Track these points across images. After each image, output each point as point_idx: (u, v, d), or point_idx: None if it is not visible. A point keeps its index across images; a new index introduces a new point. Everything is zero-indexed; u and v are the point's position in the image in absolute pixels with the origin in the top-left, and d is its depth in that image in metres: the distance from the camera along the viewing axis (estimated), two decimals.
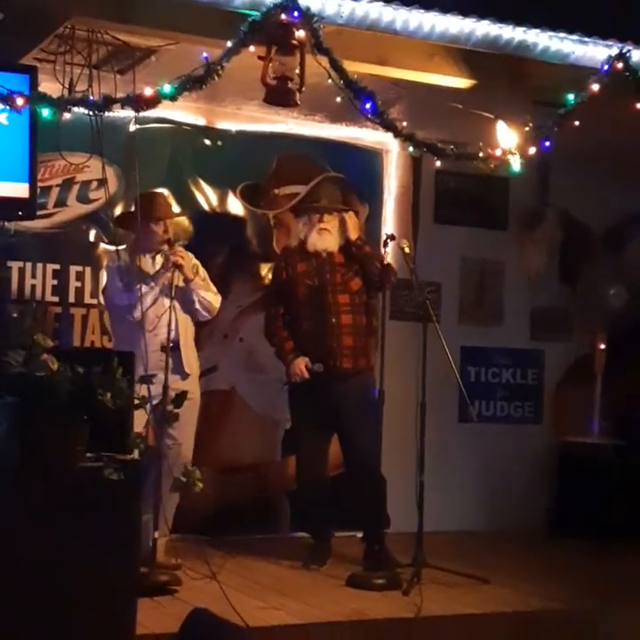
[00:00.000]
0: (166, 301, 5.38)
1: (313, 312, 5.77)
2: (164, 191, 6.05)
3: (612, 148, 6.23)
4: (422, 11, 5.12)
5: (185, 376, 5.47)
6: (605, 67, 5.23)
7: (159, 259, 5.54)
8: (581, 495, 7.02)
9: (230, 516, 6.39)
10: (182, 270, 5.40)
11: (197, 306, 5.54)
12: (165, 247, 5.49)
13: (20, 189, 4.65)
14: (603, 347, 7.50)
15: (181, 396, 4.99)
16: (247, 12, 4.70)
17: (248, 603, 4.82)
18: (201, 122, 6.53)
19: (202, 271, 5.62)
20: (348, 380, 5.75)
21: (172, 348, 5.35)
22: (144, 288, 5.35)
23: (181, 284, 5.42)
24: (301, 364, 5.71)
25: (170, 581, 5.07)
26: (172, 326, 5.35)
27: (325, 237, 5.82)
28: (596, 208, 7.39)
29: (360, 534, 5.96)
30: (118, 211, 6.11)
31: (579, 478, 7.13)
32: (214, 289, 5.68)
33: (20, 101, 4.30)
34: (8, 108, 4.29)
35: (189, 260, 5.49)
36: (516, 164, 5.25)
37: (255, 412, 6.62)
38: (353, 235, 5.85)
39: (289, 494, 6.47)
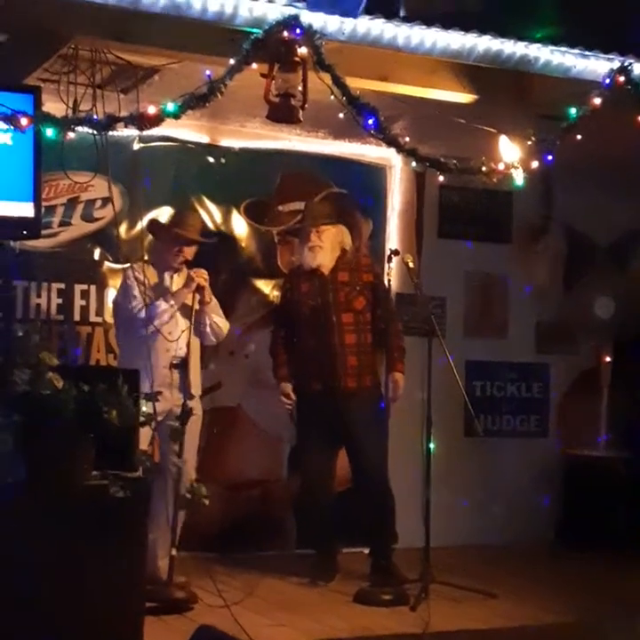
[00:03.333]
0: (181, 320, 5.42)
1: (317, 332, 5.78)
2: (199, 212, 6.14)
3: (616, 161, 6.24)
4: (424, 27, 5.14)
5: (190, 396, 5.44)
6: (607, 80, 5.24)
7: (176, 278, 5.56)
8: (588, 508, 7.00)
9: (237, 532, 6.38)
10: (203, 292, 5.43)
11: (208, 329, 5.57)
12: (184, 267, 5.53)
13: (24, 209, 4.66)
14: (608, 359, 7.50)
15: (186, 413, 5.00)
16: (249, 29, 4.72)
17: (255, 620, 4.82)
18: (204, 139, 6.55)
19: (213, 297, 5.62)
20: (354, 399, 5.75)
21: (180, 367, 5.37)
22: (163, 305, 5.39)
23: (196, 305, 5.43)
24: (286, 389, 5.81)
25: (187, 599, 5.07)
26: (183, 345, 5.38)
27: (317, 254, 5.82)
28: (601, 222, 7.40)
29: (367, 550, 5.95)
30: (123, 230, 6.12)
31: (586, 491, 7.12)
32: (222, 314, 5.71)
33: (24, 121, 4.32)
34: (13, 128, 4.31)
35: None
36: (518, 177, 5.26)
37: (261, 428, 6.61)
38: (348, 246, 5.86)
39: (295, 510, 6.46)
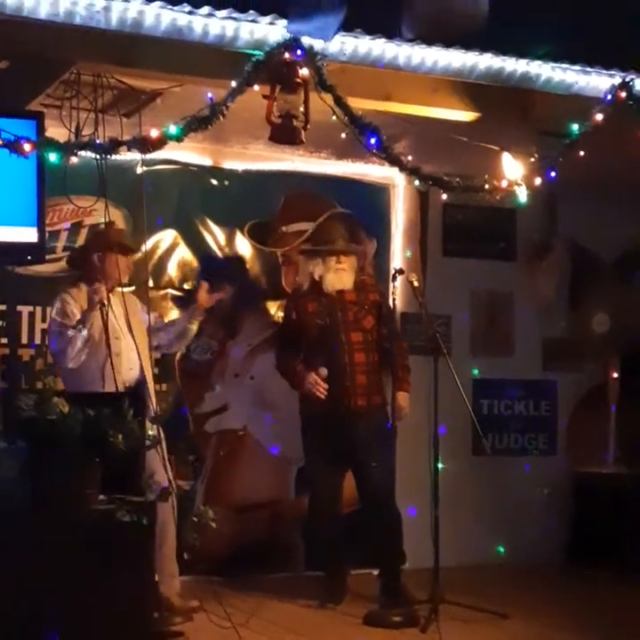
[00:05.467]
0: (129, 340, 5.20)
1: (326, 351, 5.77)
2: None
3: (620, 176, 6.24)
4: (424, 46, 5.15)
5: (151, 418, 4.98)
6: (609, 96, 5.24)
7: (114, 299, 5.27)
8: (598, 525, 6.96)
9: (244, 555, 6.35)
10: (105, 305, 5.11)
11: (165, 339, 5.53)
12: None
13: (28, 234, 4.67)
14: (616, 376, 7.48)
15: (157, 418, 4.87)
16: (251, 51, 4.74)
17: None
18: (207, 162, 6.56)
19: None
20: (362, 418, 5.74)
21: (136, 389, 5.14)
22: (70, 332, 5.16)
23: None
24: (313, 376, 5.71)
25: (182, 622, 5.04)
26: (134, 366, 5.22)
27: (343, 277, 5.83)
28: (605, 237, 7.39)
29: (376, 571, 5.91)
30: None
31: (595, 508, 7.08)
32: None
33: (27, 147, 4.32)
34: (16, 153, 4.31)
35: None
36: (522, 195, 5.26)
37: (267, 450, 6.59)
38: (367, 269, 5.89)
39: (303, 532, 6.43)
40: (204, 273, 6.27)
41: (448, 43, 5.17)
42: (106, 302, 5.11)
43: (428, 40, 5.14)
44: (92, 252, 5.38)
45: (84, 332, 5.17)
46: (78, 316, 5.21)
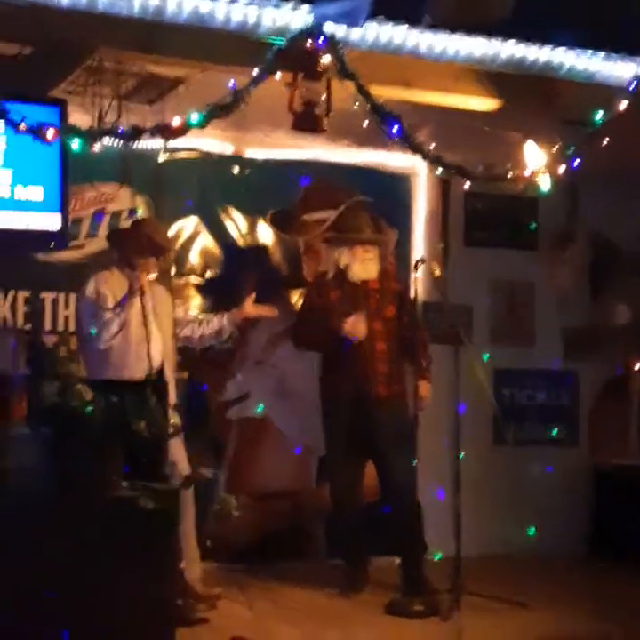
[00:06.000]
0: (143, 330, 5.19)
1: (348, 338, 5.76)
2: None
3: None
4: (447, 34, 5.13)
5: (173, 407, 5.08)
6: (633, 84, 5.20)
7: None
8: (619, 516, 6.93)
9: (266, 543, 6.35)
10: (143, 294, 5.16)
11: (189, 332, 5.49)
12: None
13: (51, 221, 4.68)
14: (637, 366, 7.44)
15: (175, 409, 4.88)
16: (273, 39, 4.73)
17: (285, 631, 4.80)
18: (229, 150, 6.55)
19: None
20: (383, 407, 5.73)
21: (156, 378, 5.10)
22: (108, 315, 5.14)
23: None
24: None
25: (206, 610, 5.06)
26: (154, 354, 5.20)
27: (369, 267, 5.82)
28: (627, 227, 7.34)
29: (398, 560, 5.91)
30: None
31: (616, 500, 7.05)
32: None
33: (50, 134, 4.33)
34: (39, 140, 4.32)
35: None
36: (545, 183, 5.22)
37: (289, 438, 6.59)
38: (388, 259, 5.88)
39: (325, 521, 6.43)
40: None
41: (472, 30, 5.14)
42: (145, 290, 5.14)
43: (453, 27, 5.11)
44: (129, 244, 5.33)
45: (122, 316, 5.15)
46: (110, 300, 5.19)
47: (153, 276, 5.30)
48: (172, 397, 5.27)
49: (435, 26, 5.14)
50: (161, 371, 5.24)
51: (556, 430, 6.54)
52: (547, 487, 7.12)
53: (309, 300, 6.01)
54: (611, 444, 7.36)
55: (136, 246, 5.26)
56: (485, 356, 6.83)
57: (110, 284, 5.28)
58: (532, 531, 6.59)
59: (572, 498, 7.21)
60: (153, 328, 5.24)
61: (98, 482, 3.97)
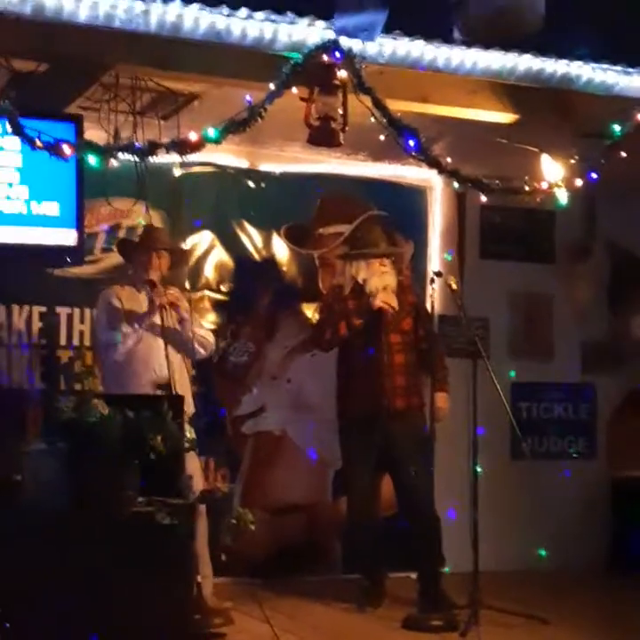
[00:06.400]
0: (158, 341, 5.25)
1: (365, 352, 5.75)
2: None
3: None
4: (464, 47, 5.12)
5: (189, 421, 5.13)
6: None
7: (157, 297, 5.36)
8: (637, 530, 6.89)
9: (282, 557, 6.34)
10: (179, 311, 5.30)
11: (196, 344, 5.41)
12: (148, 288, 5.35)
13: (67, 236, 4.69)
14: None
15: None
16: (289, 54, 4.73)
17: None
18: (244, 164, 6.56)
19: (194, 312, 5.56)
20: (401, 420, 5.72)
21: (164, 388, 5.22)
22: (128, 329, 5.25)
23: (176, 325, 5.32)
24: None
25: (222, 623, 5.04)
26: (164, 362, 5.23)
27: (386, 279, 5.81)
28: None
29: (414, 575, 5.88)
30: None
31: (634, 513, 7.01)
32: (204, 326, 5.63)
33: (67, 150, 4.34)
34: (56, 156, 4.32)
35: (184, 300, 5.39)
36: (562, 196, 5.20)
37: (305, 452, 6.58)
38: (404, 272, 5.88)
39: (341, 535, 6.41)
40: None
41: (490, 44, 5.13)
42: (175, 305, 5.22)
43: (480, 42, 5.09)
44: (145, 249, 5.39)
45: (140, 332, 5.24)
46: (124, 314, 5.26)
47: (173, 290, 5.32)
48: (189, 411, 5.29)
49: (466, 42, 5.12)
50: (174, 384, 5.24)
51: (572, 448, 6.45)
52: (565, 501, 7.09)
53: (328, 306, 6.00)
54: (629, 457, 7.32)
55: (145, 250, 5.32)
56: (511, 373, 6.85)
57: (125, 298, 5.33)
58: (543, 552, 6.56)
59: (590, 512, 7.17)
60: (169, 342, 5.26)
61: (114, 497, 3.96)
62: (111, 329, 5.30)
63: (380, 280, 5.79)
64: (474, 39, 5.14)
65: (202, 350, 5.48)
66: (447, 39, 5.13)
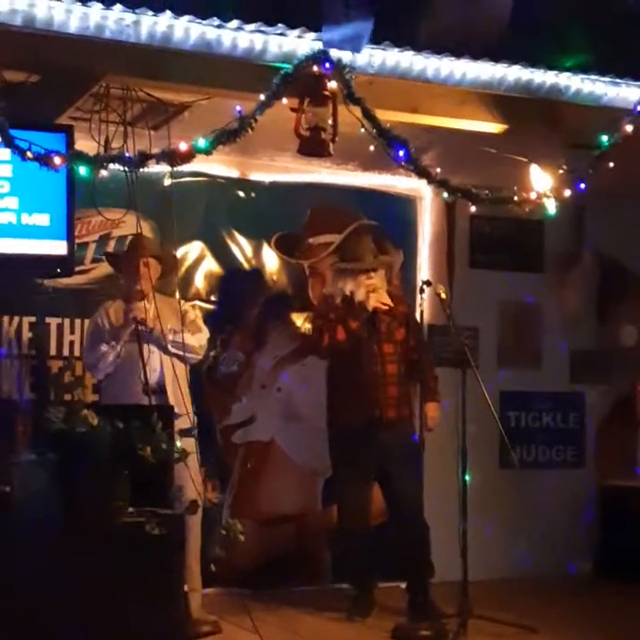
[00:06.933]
0: (147, 349, 5.32)
1: (358, 362, 5.76)
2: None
3: None
4: (453, 58, 5.14)
5: (175, 416, 5.28)
6: (639, 107, 5.20)
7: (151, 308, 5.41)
8: (626, 539, 6.91)
9: (271, 567, 6.34)
10: (144, 323, 5.32)
11: (172, 351, 5.43)
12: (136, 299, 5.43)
13: (58, 247, 4.69)
14: None
15: (188, 430, 4.88)
16: (279, 65, 4.74)
17: None
18: (234, 174, 6.57)
19: (191, 314, 5.61)
20: (392, 429, 5.74)
21: (158, 392, 5.28)
22: (103, 347, 5.35)
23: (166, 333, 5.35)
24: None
25: (211, 631, 5.03)
26: (156, 368, 5.32)
27: (373, 283, 5.81)
28: (634, 248, 7.35)
29: (404, 584, 5.89)
30: None
31: (623, 522, 7.03)
32: (202, 326, 5.64)
33: (57, 160, 4.33)
34: (46, 167, 4.32)
35: (150, 310, 5.36)
36: (551, 206, 5.22)
37: (294, 462, 6.58)
38: (394, 281, 5.90)
39: (331, 544, 6.41)
40: None
41: (475, 54, 5.15)
42: (140, 320, 5.27)
43: (452, 50, 5.12)
44: (132, 259, 5.44)
45: (118, 348, 5.31)
46: (109, 331, 5.36)
47: (151, 305, 5.34)
48: (183, 406, 5.32)
49: (431, 47, 5.14)
50: (161, 386, 5.32)
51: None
52: (553, 510, 7.10)
53: (322, 314, 5.99)
54: (617, 465, 7.34)
55: (131, 260, 5.37)
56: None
57: (112, 316, 5.41)
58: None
59: (579, 520, 7.19)
60: (154, 352, 5.33)
61: (104, 507, 3.95)
62: (92, 349, 5.41)
63: (373, 296, 5.79)
64: (439, 47, 5.16)
65: (182, 353, 5.44)
66: (417, 47, 5.13)
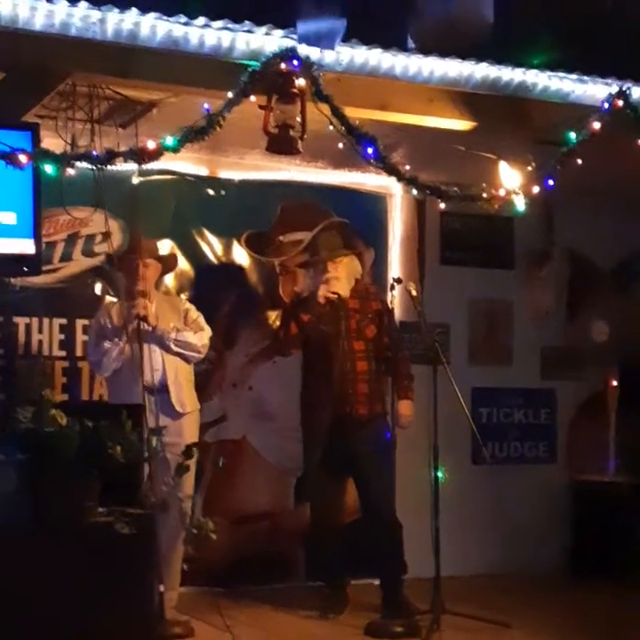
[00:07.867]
0: (149, 347, 5.36)
1: (328, 359, 5.76)
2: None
3: (617, 184, 6.24)
4: (421, 56, 5.14)
5: (177, 415, 5.42)
6: (606, 105, 5.23)
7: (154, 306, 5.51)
8: (598, 534, 6.95)
9: (244, 566, 6.33)
10: (146, 320, 5.36)
11: (175, 349, 5.47)
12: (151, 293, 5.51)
13: (25, 246, 4.66)
14: (615, 383, 7.46)
15: (190, 449, 4.90)
16: (247, 62, 4.73)
17: None
18: (204, 172, 6.55)
19: (192, 313, 5.63)
20: (364, 427, 5.74)
21: (160, 390, 5.31)
22: (106, 344, 5.40)
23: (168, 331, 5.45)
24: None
25: (182, 634, 5.02)
26: (158, 367, 5.36)
27: (334, 285, 5.82)
28: (603, 245, 7.39)
29: (377, 581, 5.89)
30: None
31: (595, 517, 7.06)
32: (204, 325, 5.65)
33: (23, 158, 4.31)
34: (12, 165, 4.29)
35: (151, 308, 5.42)
36: (519, 203, 5.24)
37: (266, 460, 6.57)
38: (360, 275, 5.88)
39: (304, 542, 6.41)
40: None
41: (446, 52, 5.16)
42: (142, 316, 5.32)
43: (431, 50, 5.12)
44: (134, 260, 5.49)
45: (121, 344, 5.36)
46: (111, 329, 5.43)
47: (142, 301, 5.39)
48: (186, 405, 5.50)
49: (418, 50, 5.14)
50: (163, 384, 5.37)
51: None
52: (526, 505, 7.13)
53: (288, 317, 6.00)
54: (589, 461, 7.37)
55: (131, 261, 5.44)
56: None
57: (113, 314, 5.47)
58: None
59: (551, 516, 7.22)
60: (157, 351, 5.40)
61: (73, 507, 3.93)
62: (96, 346, 5.46)
63: (327, 289, 5.79)
64: (425, 47, 5.16)
65: (186, 352, 5.51)
66: (403, 47, 5.14)
